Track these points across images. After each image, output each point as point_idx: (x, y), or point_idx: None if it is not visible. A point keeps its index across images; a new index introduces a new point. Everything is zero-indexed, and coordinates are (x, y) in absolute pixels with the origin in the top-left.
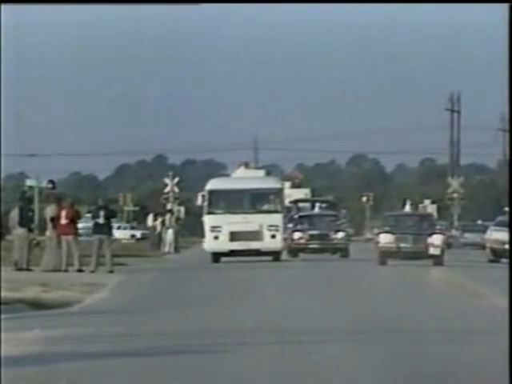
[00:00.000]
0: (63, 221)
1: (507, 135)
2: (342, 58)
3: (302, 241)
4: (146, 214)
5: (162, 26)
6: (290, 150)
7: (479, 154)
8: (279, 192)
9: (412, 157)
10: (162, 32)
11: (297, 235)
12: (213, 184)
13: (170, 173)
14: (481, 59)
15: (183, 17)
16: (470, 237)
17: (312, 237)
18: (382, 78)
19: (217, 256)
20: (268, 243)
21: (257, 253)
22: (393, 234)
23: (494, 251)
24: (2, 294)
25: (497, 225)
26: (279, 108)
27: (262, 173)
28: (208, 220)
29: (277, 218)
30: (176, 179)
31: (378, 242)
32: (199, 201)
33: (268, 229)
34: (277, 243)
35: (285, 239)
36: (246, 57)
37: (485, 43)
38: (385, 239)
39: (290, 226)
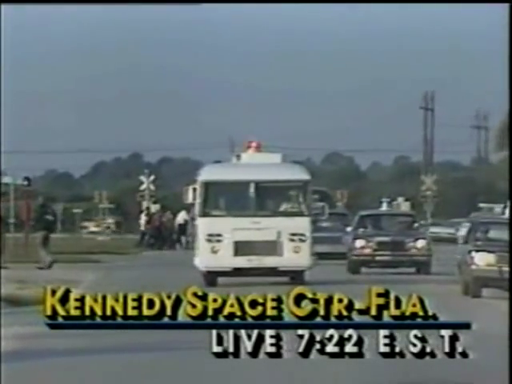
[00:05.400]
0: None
1: (482, 132)
2: (318, 58)
3: (367, 251)
4: (140, 213)
5: (143, 25)
6: (266, 147)
7: (453, 152)
8: (305, 186)
9: (386, 155)
10: (147, 31)
11: (359, 243)
12: (209, 173)
13: (146, 171)
14: (455, 57)
15: (168, 16)
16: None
17: (381, 245)
18: (357, 77)
19: (213, 277)
20: (289, 259)
21: (272, 272)
22: (491, 252)
23: None
24: None
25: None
26: (255, 106)
27: (278, 158)
28: (203, 225)
29: (302, 224)
30: (152, 177)
31: (470, 264)
32: (189, 197)
33: (289, 238)
34: (302, 259)
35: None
36: (224, 55)
37: (458, 42)
38: (482, 260)
39: (348, 229)
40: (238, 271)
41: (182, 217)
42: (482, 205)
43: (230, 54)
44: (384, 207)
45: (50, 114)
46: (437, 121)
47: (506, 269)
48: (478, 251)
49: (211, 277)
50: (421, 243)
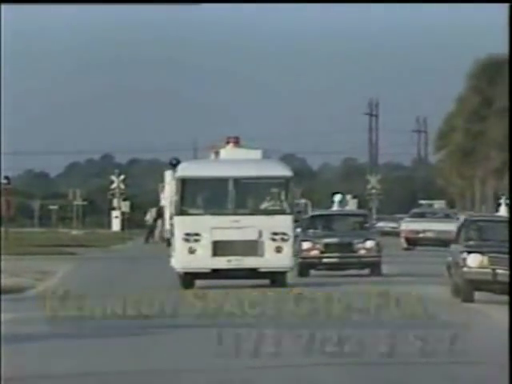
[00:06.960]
0: None
1: (421, 136)
2: (273, 62)
3: (314, 253)
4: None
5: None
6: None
7: (396, 154)
8: (287, 183)
9: (336, 156)
10: (126, 31)
11: (306, 245)
12: (186, 169)
13: (117, 170)
14: (399, 65)
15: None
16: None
17: (328, 247)
18: (310, 84)
19: (190, 278)
20: (270, 260)
21: (252, 274)
22: (483, 253)
23: (408, 240)
24: None
25: (411, 216)
26: (216, 109)
27: (259, 154)
28: (179, 224)
29: (284, 222)
30: (122, 176)
31: (462, 266)
32: (165, 195)
33: (271, 238)
34: (284, 260)
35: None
36: (182, 57)
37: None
38: (474, 261)
39: (297, 230)
40: (216, 272)
41: None
42: (421, 201)
43: (190, 57)
44: (335, 206)
45: (28, 117)
46: (381, 125)
47: (500, 271)
48: (470, 252)
49: (188, 278)
50: (370, 244)
